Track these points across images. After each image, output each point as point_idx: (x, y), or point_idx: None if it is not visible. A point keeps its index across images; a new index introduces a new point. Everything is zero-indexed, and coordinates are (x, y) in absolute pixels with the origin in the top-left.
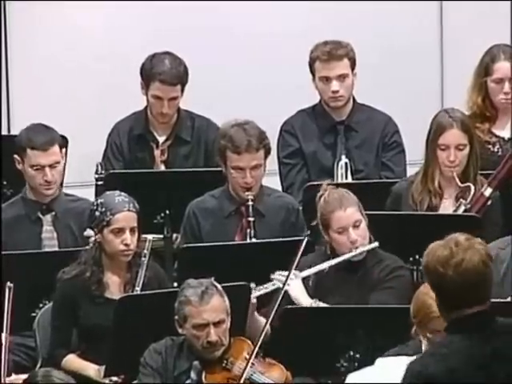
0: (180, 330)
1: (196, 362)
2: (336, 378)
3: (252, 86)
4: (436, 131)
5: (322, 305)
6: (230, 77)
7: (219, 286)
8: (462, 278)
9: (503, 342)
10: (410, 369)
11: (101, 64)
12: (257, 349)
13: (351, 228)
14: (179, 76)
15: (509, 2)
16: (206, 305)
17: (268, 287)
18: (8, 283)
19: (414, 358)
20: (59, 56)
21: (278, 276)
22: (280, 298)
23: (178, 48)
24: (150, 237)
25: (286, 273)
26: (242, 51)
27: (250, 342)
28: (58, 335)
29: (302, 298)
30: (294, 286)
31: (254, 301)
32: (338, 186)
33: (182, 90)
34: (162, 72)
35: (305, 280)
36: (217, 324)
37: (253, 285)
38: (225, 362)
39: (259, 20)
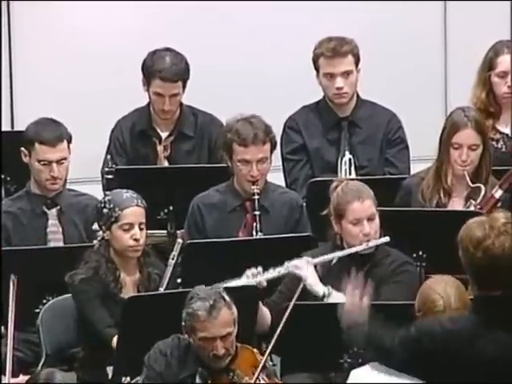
0: (186, 336)
1: (202, 369)
2: (340, 373)
3: (255, 82)
4: (450, 130)
5: (334, 293)
6: (233, 73)
7: (227, 298)
8: (490, 262)
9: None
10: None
11: (104, 61)
12: (264, 362)
13: (366, 221)
14: (180, 73)
15: (509, 2)
16: (215, 320)
17: (280, 271)
18: (12, 276)
19: None
20: (63, 52)
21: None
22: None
23: (181, 45)
24: (179, 240)
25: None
26: (246, 48)
27: (256, 351)
28: (101, 321)
29: (316, 286)
30: (309, 272)
31: (264, 284)
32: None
33: (184, 86)
34: (163, 69)
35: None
36: (224, 337)
37: (260, 268)
38: (231, 374)
39: (263, 17)
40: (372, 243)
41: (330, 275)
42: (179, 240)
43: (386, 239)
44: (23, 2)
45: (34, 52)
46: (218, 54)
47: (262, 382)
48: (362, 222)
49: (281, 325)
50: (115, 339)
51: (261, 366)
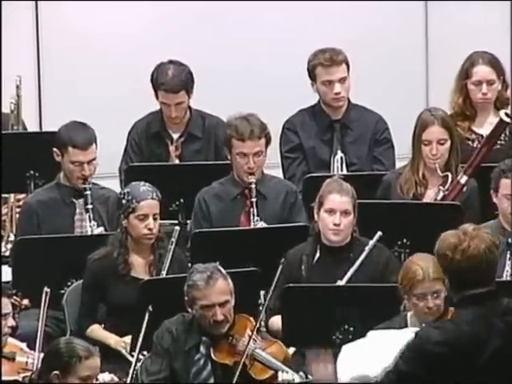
0: (189, 310)
1: (205, 338)
2: (332, 348)
3: (257, 88)
4: (420, 128)
5: None
6: (238, 80)
7: (223, 270)
8: (468, 262)
9: (503, 320)
10: (418, 335)
11: (121, 67)
12: (258, 325)
13: (339, 213)
14: (181, 84)
15: (495, 3)
16: (212, 288)
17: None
18: (45, 288)
19: (407, 329)
20: (87, 58)
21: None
22: (277, 277)
23: (192, 55)
24: (177, 227)
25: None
26: (251, 59)
27: (252, 318)
28: (85, 308)
29: None
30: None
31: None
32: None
33: (189, 93)
34: (165, 82)
35: (299, 266)
36: (222, 304)
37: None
38: (230, 338)
39: (264, 30)
40: (370, 244)
41: (315, 270)
42: (176, 228)
43: (380, 234)
44: (51, 3)
45: (61, 57)
46: (225, 63)
47: (257, 341)
48: (335, 213)
49: (270, 292)
50: (89, 330)
51: (255, 329)
